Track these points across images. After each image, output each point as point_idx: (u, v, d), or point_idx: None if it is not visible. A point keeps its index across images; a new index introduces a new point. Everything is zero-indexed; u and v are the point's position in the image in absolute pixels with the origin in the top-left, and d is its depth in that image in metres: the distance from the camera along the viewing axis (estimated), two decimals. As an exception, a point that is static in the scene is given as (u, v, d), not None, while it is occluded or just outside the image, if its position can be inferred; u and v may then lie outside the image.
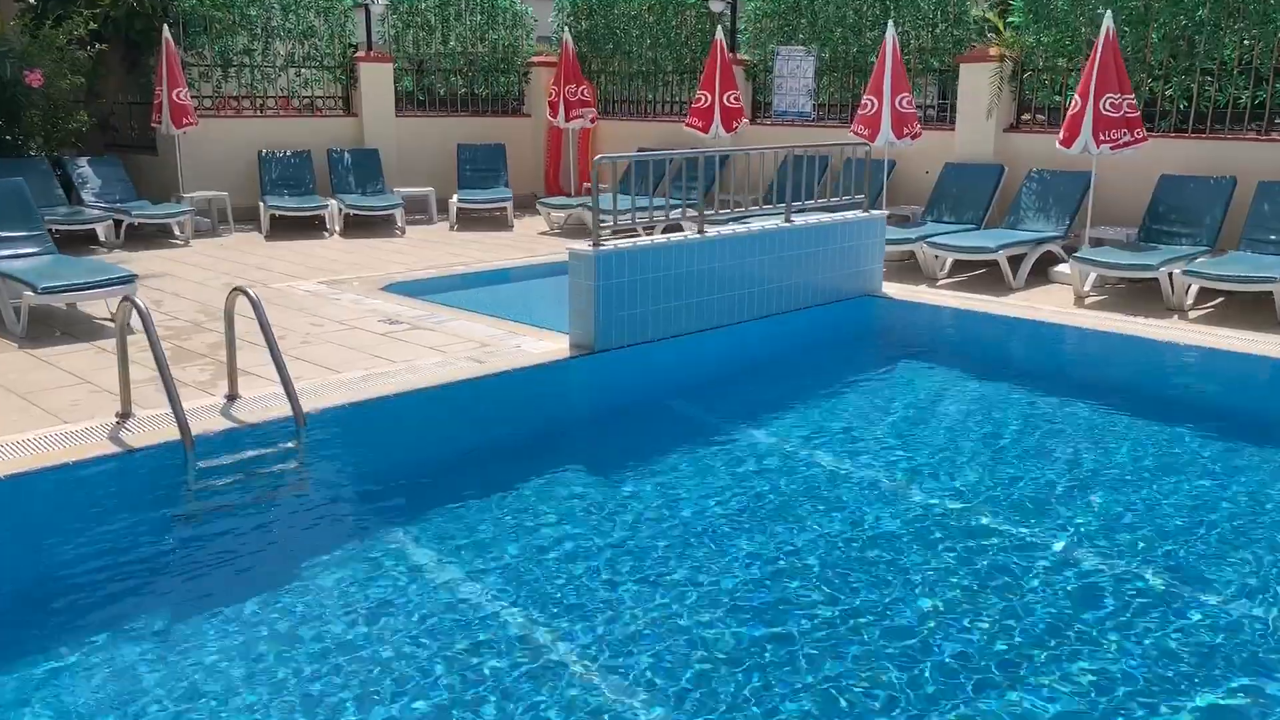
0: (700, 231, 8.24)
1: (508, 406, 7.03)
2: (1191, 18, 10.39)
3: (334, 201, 13.57)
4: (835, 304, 9.26)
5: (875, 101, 11.34)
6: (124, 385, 5.96)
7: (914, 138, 11.37)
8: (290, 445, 5.92)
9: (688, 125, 13.19)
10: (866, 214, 9.58)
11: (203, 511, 5.44)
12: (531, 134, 16.37)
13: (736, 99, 12.95)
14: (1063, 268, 10.21)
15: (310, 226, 13.65)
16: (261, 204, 13.51)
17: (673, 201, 9.83)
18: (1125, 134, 9.79)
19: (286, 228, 13.45)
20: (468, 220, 14.51)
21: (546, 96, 16.04)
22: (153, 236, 12.75)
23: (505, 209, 14.25)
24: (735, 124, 12.93)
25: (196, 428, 5.64)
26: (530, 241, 12.99)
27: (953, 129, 12.00)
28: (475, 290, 10.46)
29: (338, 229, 13.43)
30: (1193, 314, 8.92)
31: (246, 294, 6.10)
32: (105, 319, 8.36)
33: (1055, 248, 10.45)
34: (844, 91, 13.25)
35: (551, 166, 16.11)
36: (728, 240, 8.32)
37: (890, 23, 11.35)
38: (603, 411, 7.48)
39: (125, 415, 5.93)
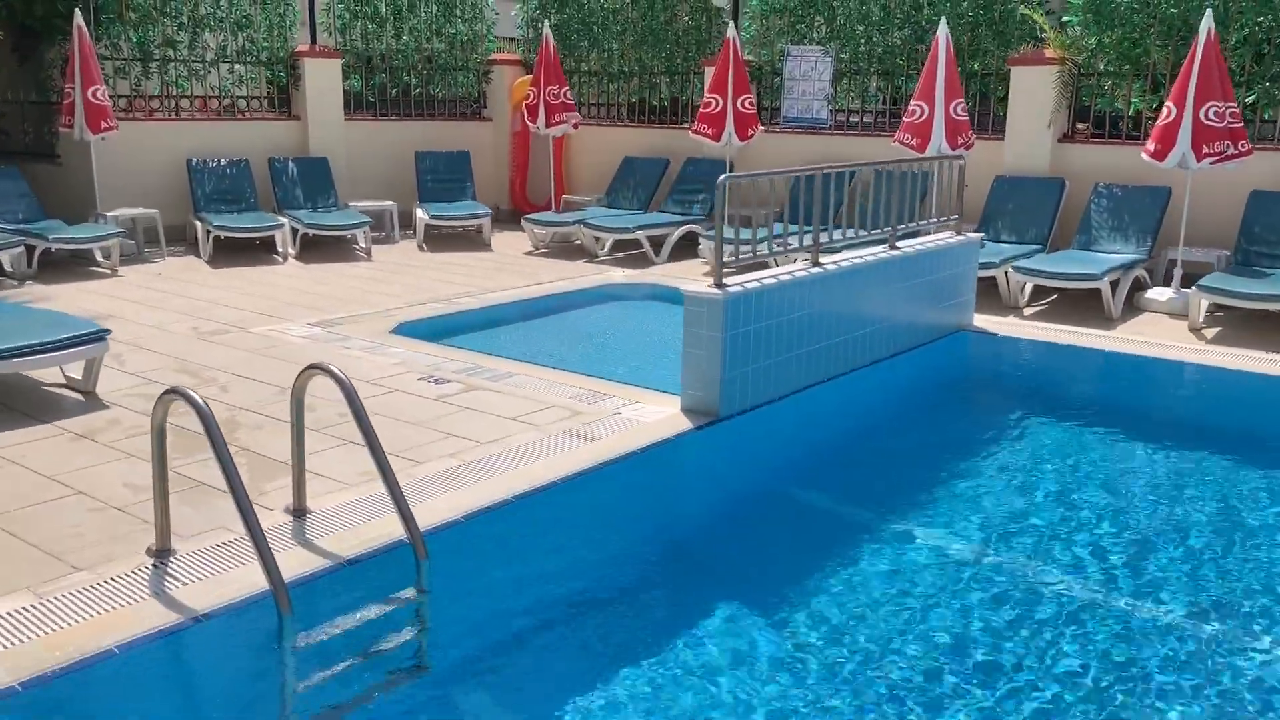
0: (816, 264, 6.83)
1: (642, 498, 5.51)
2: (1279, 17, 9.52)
3: (287, 220, 11.63)
4: (936, 343, 7.99)
5: (926, 107, 10.15)
6: (163, 515, 4.20)
7: (967, 148, 10.22)
8: (416, 595, 4.25)
9: (695, 133, 11.76)
10: (962, 237, 8.35)
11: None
12: (493, 140, 14.67)
13: (750, 104, 11.59)
14: (1155, 294, 9.18)
15: (253, 249, 11.69)
16: (198, 223, 11.49)
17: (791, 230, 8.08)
18: (1229, 146, 8.82)
19: (229, 251, 11.46)
20: (436, 239, 12.75)
21: (510, 98, 14.40)
22: (67, 264, 10.62)
23: (482, 226, 12.55)
24: (750, 131, 11.57)
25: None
26: (520, 264, 11.35)
27: (996, 138, 10.90)
28: (504, 331, 8.84)
29: (291, 252, 11.51)
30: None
31: (333, 375, 4.39)
32: (56, 385, 6.44)
33: (1141, 272, 9.44)
34: (867, 97, 12.02)
35: (518, 177, 14.45)
36: (844, 274, 6.94)
37: (943, 20, 10.17)
38: (750, 499, 5.95)
39: (164, 552, 4.18)
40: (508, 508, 4.75)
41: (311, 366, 4.49)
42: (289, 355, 7.29)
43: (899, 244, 7.63)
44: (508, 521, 4.72)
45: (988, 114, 11.33)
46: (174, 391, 3.99)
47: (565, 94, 12.80)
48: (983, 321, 8.57)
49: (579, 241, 12.56)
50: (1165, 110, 9.05)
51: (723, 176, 6.02)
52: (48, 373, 6.50)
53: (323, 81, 12.93)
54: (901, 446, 6.69)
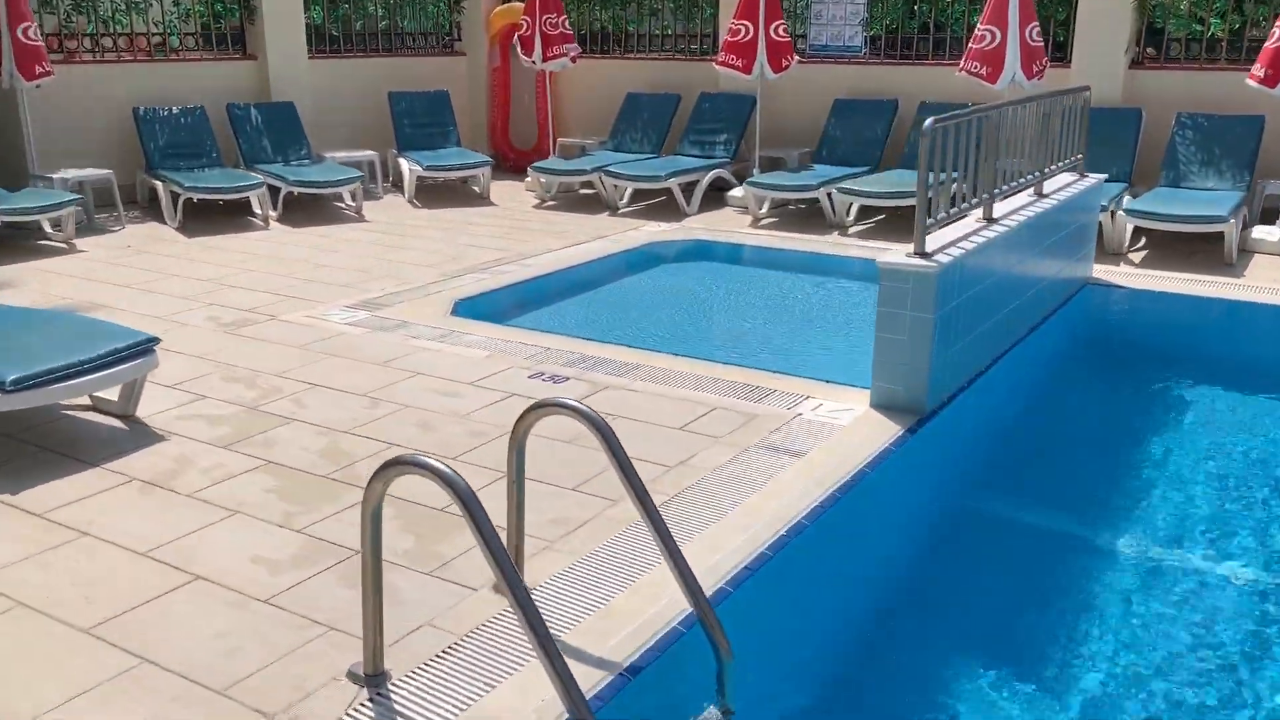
0: (989, 219, 5.83)
1: (882, 523, 4.50)
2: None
3: (264, 178, 10.08)
4: (1072, 301, 7.11)
5: (998, 32, 9.16)
6: (374, 630, 3.01)
7: (1040, 77, 9.31)
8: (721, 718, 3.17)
9: (721, 64, 10.55)
10: (1090, 179, 7.45)
11: None
12: (468, 77, 13.18)
13: (785, 31, 10.42)
14: (1263, 232, 8.45)
15: (224, 211, 10.13)
16: (157, 183, 9.88)
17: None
18: (1348, 69, 8.08)
19: (196, 215, 9.89)
20: (428, 192, 11.34)
21: (487, 30, 12.92)
22: (7, 239, 8.95)
23: (481, 175, 11.17)
24: (785, 62, 10.42)
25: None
26: (537, 220, 10.07)
27: (1058, 65, 9.98)
28: (575, 305, 7.70)
29: (272, 214, 9.99)
30: None
31: (580, 414, 3.22)
32: (80, 409, 5.07)
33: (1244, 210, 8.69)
34: (908, 21, 10.95)
35: (499, 118, 13.03)
36: (1021, 229, 5.96)
37: (1014, -68, 9.15)
38: (992, 520, 4.96)
39: (377, 678, 3.00)
40: (770, 565, 3.70)
41: (542, 405, 3.30)
42: (352, 352, 6.00)
43: (1044, 190, 6.70)
44: (772, 583, 3.66)
45: (1045, 38, 10.39)
46: (402, 463, 2.79)
47: (564, 23, 11.42)
48: (1104, 273, 7.75)
49: (584, 191, 11.34)
50: (1277, 32, 8.25)
51: (929, 121, 4.92)
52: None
53: (282, 13, 11.27)
54: (1115, 437, 5.73)
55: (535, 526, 3.92)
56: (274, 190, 10.02)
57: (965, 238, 5.40)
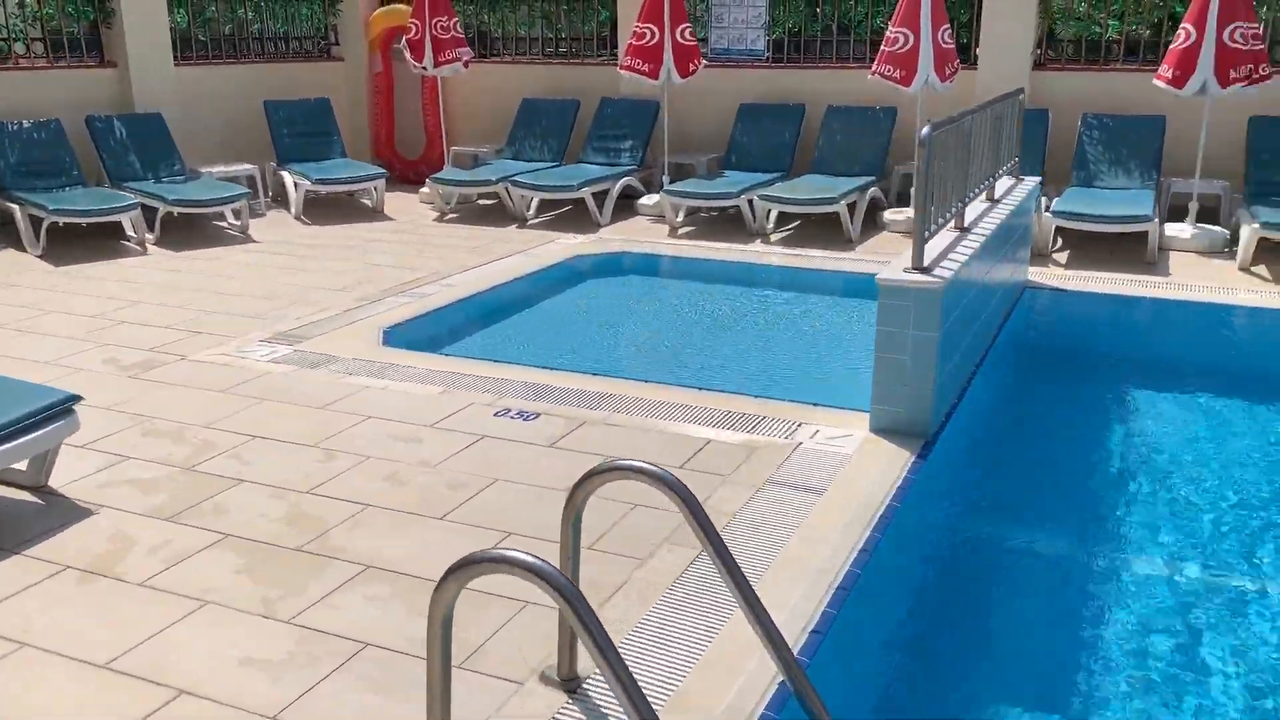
0: (962, 228, 5.64)
1: (918, 562, 4.20)
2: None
3: (139, 198, 9.15)
4: (1019, 305, 7.04)
5: (910, 35, 9.08)
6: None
7: (952, 80, 9.29)
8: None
9: (626, 69, 10.16)
10: (1027, 181, 7.40)
11: None
12: (348, 84, 12.41)
13: (691, 34, 10.11)
14: (1175, 230, 8.60)
15: (91, 236, 9.16)
16: (14, 207, 8.84)
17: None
18: (1252, 70, 8.29)
19: (60, 240, 8.90)
20: (317, 208, 10.57)
21: (367, 33, 12.20)
22: None
23: (374, 188, 10.48)
24: (692, 66, 10.11)
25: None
26: (443, 235, 9.48)
27: (967, 68, 9.99)
28: (513, 328, 7.21)
29: (149, 237, 9.08)
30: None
31: (659, 479, 2.77)
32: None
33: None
34: (811, 24, 10.79)
35: (383, 127, 12.31)
36: (993, 238, 5.78)
37: (926, -66, 9.08)
38: (1021, 550, 4.70)
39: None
40: (837, 624, 3.34)
41: (603, 470, 2.84)
42: (285, 394, 5.37)
43: (995, 194, 6.59)
44: (845, 645, 3.31)
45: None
46: (481, 561, 2.30)
47: (455, 26, 10.83)
48: (1036, 275, 7.72)
49: (484, 202, 10.80)
50: (1182, 33, 8.41)
51: (926, 127, 4.66)
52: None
53: (143, 15, 10.32)
54: (1115, 443, 5.55)
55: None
56: (148, 210, 9.11)
57: (950, 249, 5.17)
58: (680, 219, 9.63)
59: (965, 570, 4.18)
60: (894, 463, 4.51)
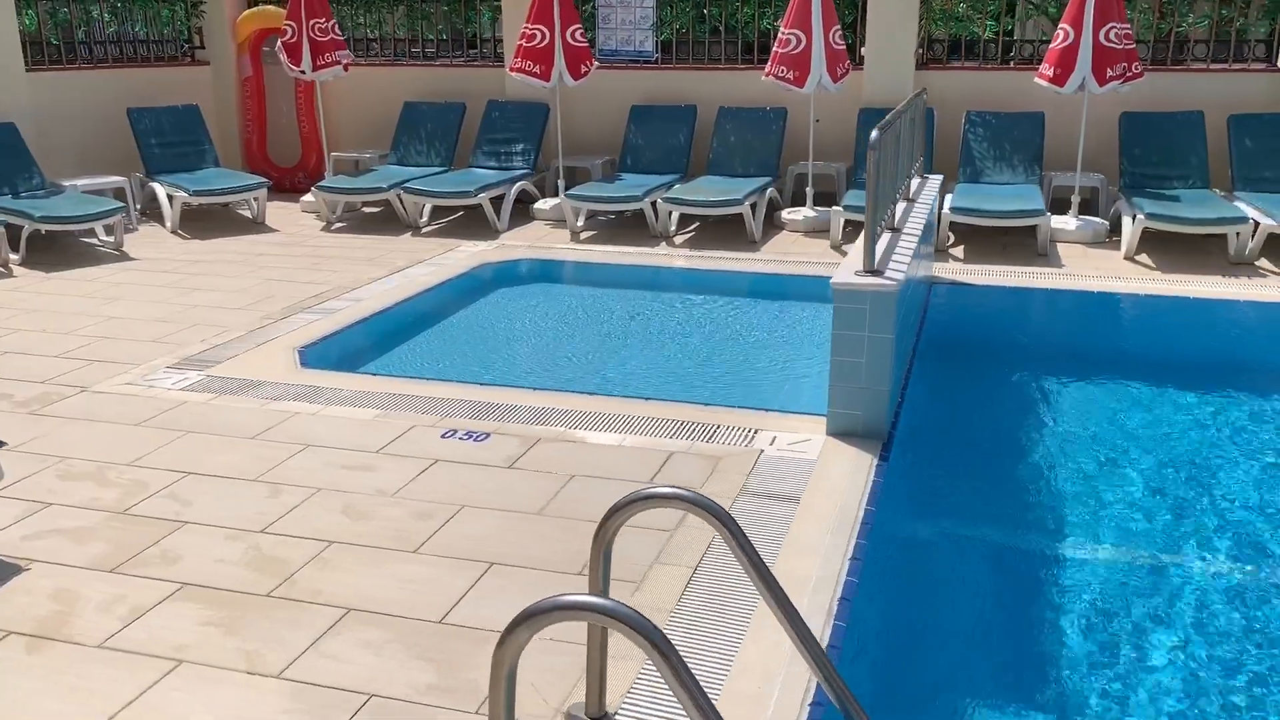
0: (894, 229, 5.71)
1: (903, 565, 4.19)
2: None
3: (9, 213, 8.47)
4: (933, 300, 7.19)
5: (803, 36, 9.20)
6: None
7: (843, 80, 9.45)
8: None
9: (516, 70, 9.94)
10: (932, 179, 7.58)
11: None
12: (214, 89, 11.79)
13: (582, 35, 9.98)
14: (1061, 222, 8.96)
15: (-54, 256, 8.44)
16: None
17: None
18: (1126, 68, 8.70)
19: (-90, 263, 8.17)
20: (194, 221, 9.99)
21: (234, 36, 11.62)
22: None
23: (255, 199, 9.98)
24: (584, 68, 9.99)
25: None
26: (334, 246, 9.09)
27: (853, 68, 10.18)
28: (429, 342, 6.93)
29: (14, 258, 8.41)
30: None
31: (704, 509, 2.66)
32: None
33: (1039, 201, 9.19)
34: (699, 25, 10.81)
35: (254, 133, 11.75)
36: (920, 238, 5.88)
37: (816, -65, 9.20)
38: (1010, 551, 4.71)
39: None
40: (848, 640, 3.31)
41: (634, 500, 2.71)
42: (209, 425, 5.02)
43: (910, 193, 6.71)
44: (862, 661, 3.28)
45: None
46: (551, 610, 2.15)
47: (334, 28, 10.41)
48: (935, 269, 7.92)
49: (369, 210, 10.45)
50: (1060, 33, 8.77)
51: (876, 131, 4.69)
52: None
53: (-11, 20, 9.56)
54: (1063, 431, 5.64)
55: (560, 630, 3.31)
56: (10, 229, 8.43)
57: (891, 250, 5.23)
58: (581, 223, 9.51)
59: (958, 567, 4.21)
60: (859, 466, 4.52)
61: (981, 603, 4.01)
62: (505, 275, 8.20)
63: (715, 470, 4.49)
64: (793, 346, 6.80)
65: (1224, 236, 8.23)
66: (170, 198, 9.67)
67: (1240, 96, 9.43)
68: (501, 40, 11.19)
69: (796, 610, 2.77)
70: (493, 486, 4.36)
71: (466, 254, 8.67)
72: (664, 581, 3.60)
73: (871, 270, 4.77)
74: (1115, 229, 8.84)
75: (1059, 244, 8.86)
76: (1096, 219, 9.04)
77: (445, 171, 10.51)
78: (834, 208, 8.82)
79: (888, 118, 5.26)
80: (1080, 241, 8.87)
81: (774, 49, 9.40)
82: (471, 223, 9.80)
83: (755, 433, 4.89)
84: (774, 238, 9.25)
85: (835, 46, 9.28)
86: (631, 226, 9.62)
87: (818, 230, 9.38)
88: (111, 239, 8.89)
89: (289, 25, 10.31)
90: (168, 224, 9.66)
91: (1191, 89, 9.48)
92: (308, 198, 10.55)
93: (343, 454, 4.69)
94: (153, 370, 5.81)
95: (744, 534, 2.72)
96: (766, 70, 9.42)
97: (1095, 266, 8.10)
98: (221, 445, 4.78)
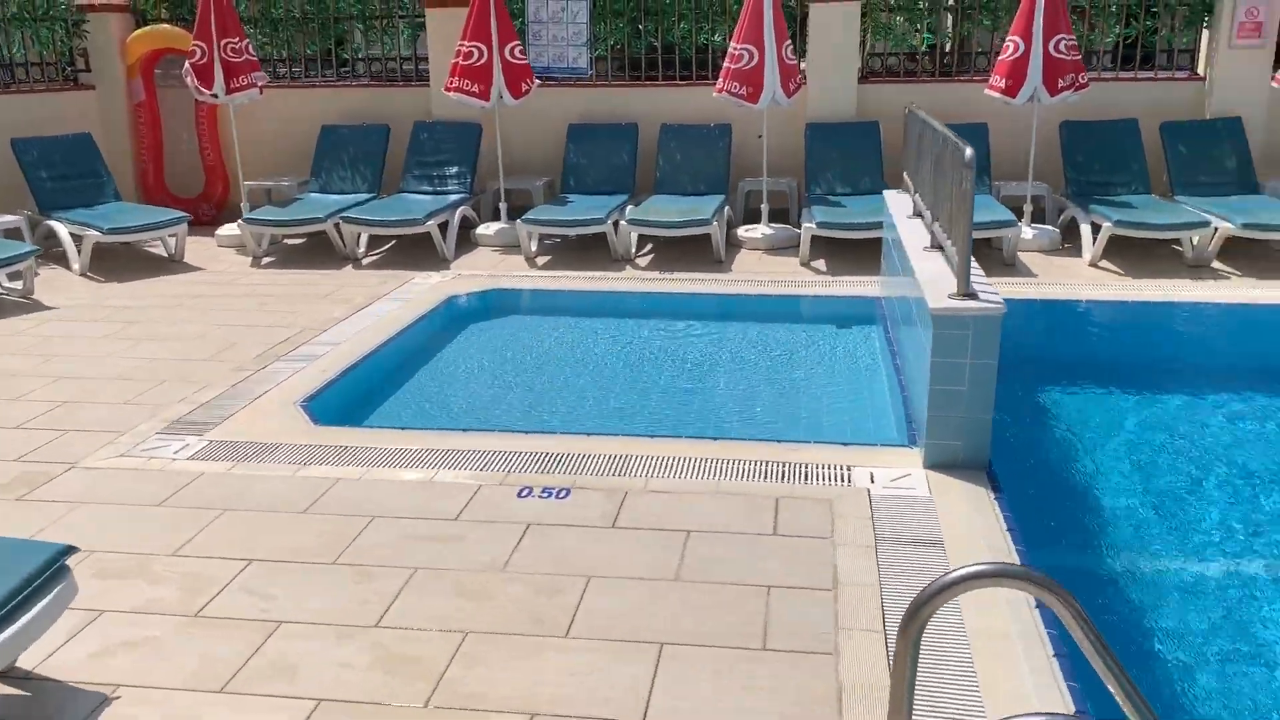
0: (937, 246, 5.56)
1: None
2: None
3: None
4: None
5: (754, 52, 9.02)
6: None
7: (796, 94, 9.32)
8: None
9: (453, 90, 9.41)
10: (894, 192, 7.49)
11: None
12: (101, 114, 10.75)
13: (521, 52, 9.54)
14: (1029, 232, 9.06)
15: None
16: None
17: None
18: (1075, 78, 8.88)
19: None
20: (106, 261, 9.03)
21: (124, 58, 10.65)
22: None
23: (177, 235, 9.11)
24: (525, 86, 9.54)
25: None
26: (271, 283, 8.36)
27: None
28: (436, 383, 6.38)
29: (-93, 311, 7.40)
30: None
31: (1050, 591, 2.35)
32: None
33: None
34: (635, 41, 10.50)
35: (150, 162, 10.78)
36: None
37: (766, -49, 9.04)
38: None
39: None
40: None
41: (972, 578, 2.38)
42: (242, 500, 4.41)
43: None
44: None
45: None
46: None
47: (247, 48, 9.63)
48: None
49: (292, 242, 9.74)
50: (1010, 45, 8.87)
51: (969, 149, 4.49)
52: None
53: None
54: (1152, 444, 5.50)
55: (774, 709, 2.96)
56: (-99, 279, 7.43)
57: (969, 271, 5.05)
58: (535, 248, 9.06)
59: (1144, 603, 4.02)
60: (979, 502, 4.31)
61: (1192, 637, 3.83)
62: (484, 308, 7.70)
63: (835, 515, 4.19)
64: (840, 371, 6.53)
65: (1177, 240, 8.49)
66: (77, 237, 8.72)
67: (1167, 104, 9.77)
68: (425, 59, 10.62)
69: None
70: (607, 551, 3.94)
71: (425, 286, 8.10)
72: (862, 650, 3.28)
73: (967, 294, 4.58)
74: (1066, 236, 9.01)
75: (1019, 253, 8.96)
76: (1049, 227, 9.18)
77: (374, 198, 9.87)
78: (805, 225, 8.66)
79: (947, 135, 5.09)
80: (1038, 250, 8.98)
81: (726, 65, 9.19)
82: (412, 251, 9.22)
83: (849, 469, 4.62)
84: (735, 256, 9.03)
85: (788, 61, 9.14)
86: (585, 249, 9.24)
87: (778, 248, 9.22)
88: (19, 285, 7.93)
89: (198, 46, 9.48)
90: (74, 266, 8.71)
91: (1122, 98, 9.77)
92: (226, 231, 9.75)
93: (418, 524, 4.18)
94: (143, 438, 5.11)
95: (1085, 614, 2.44)
96: (718, 86, 9.20)
97: (1066, 274, 8.20)
98: (273, 524, 4.19)
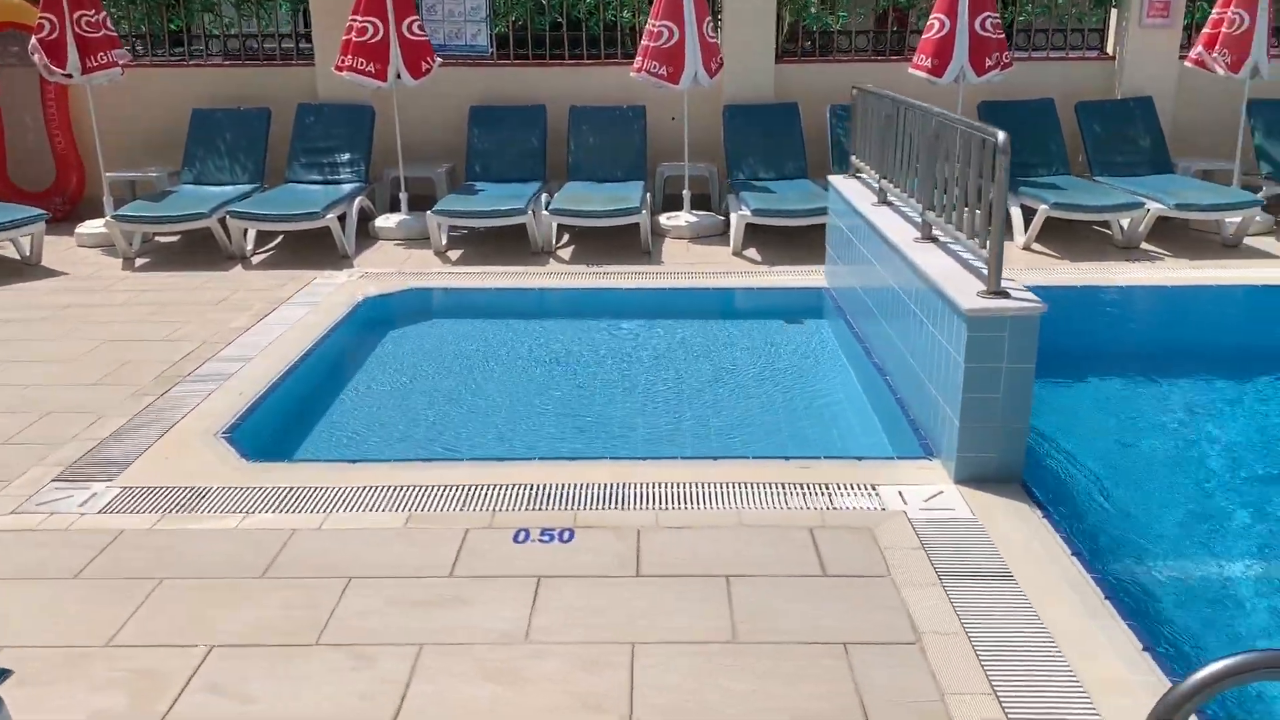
0: (929, 238, 5.16)
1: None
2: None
3: None
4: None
5: (674, 29, 8.49)
6: None
7: (717, 74, 8.84)
8: None
9: (346, 69, 8.51)
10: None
11: None
12: (-73, 99, 9.41)
13: (421, 29, 8.72)
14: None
15: None
16: None
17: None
18: (999, 57, 8.68)
19: None
20: (-60, 267, 7.86)
21: (-49, 33, 9.33)
22: None
23: (31, 236, 7.97)
24: (426, 65, 8.74)
25: None
26: (150, 288, 7.39)
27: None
28: (372, 405, 5.61)
29: None
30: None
31: None
32: None
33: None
34: (538, 18, 9.78)
35: (-10, 152, 9.51)
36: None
37: (684, -80, 8.49)
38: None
39: None
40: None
41: (1240, 673, 1.92)
42: (180, 566, 3.64)
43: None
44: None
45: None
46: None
47: (105, 21, 8.50)
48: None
49: (165, 240, 8.73)
50: (935, 23, 8.60)
51: (1002, 134, 4.07)
52: None
53: None
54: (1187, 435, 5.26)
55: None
56: None
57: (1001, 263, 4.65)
58: (445, 241, 8.33)
59: (1233, 618, 3.68)
60: (1030, 522, 3.92)
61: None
62: (405, 311, 6.95)
63: (882, 548, 3.73)
64: (818, 371, 6.07)
65: (1105, 222, 8.42)
66: (-90, 240, 7.54)
67: (1079, 83, 9.72)
68: (306, 35, 9.69)
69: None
70: (643, 608, 3.37)
71: (332, 288, 7.29)
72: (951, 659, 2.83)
73: (997, 291, 4.18)
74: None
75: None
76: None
77: (258, 189, 8.93)
78: (738, 212, 8.20)
79: (944, 118, 4.69)
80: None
81: (644, 42, 8.63)
82: (305, 247, 8.35)
83: (874, 489, 4.18)
84: (661, 246, 8.50)
85: (709, 40, 8.64)
86: (499, 240, 8.56)
87: (703, 236, 8.75)
88: None
89: (46, 19, 8.31)
90: (-91, 273, 7.55)
91: (1036, 77, 9.65)
92: (87, 229, 8.64)
93: (407, 585, 3.51)
94: (36, 487, 4.25)
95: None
96: (636, 66, 8.64)
97: (1016, 259, 7.99)
98: (226, 594, 3.46)
